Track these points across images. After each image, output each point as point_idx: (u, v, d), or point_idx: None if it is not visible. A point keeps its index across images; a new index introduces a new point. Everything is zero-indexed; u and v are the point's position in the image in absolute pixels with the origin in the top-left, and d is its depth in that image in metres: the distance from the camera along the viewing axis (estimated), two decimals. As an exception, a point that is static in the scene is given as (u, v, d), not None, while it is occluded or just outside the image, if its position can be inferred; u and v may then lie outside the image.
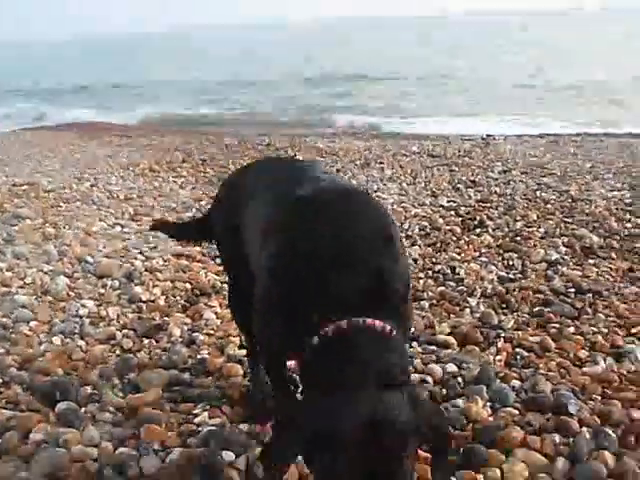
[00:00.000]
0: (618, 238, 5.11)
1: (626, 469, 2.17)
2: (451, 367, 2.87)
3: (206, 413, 2.56)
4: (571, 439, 2.32)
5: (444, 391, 2.70)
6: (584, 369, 2.91)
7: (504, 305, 3.71)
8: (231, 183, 2.65)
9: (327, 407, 1.52)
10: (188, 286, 4.06)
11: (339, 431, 1.47)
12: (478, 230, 5.24)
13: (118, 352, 3.14)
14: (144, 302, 3.82)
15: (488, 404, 2.58)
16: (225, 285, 3.94)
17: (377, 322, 1.67)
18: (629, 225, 5.46)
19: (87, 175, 8.00)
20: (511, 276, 4.18)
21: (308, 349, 1.70)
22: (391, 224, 1.95)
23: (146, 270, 4.34)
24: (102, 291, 3.97)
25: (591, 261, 4.54)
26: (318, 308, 1.71)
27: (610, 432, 2.36)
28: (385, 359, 1.62)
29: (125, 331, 3.38)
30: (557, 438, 2.34)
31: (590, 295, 3.84)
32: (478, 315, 3.55)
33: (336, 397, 1.53)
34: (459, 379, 2.78)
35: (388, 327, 1.68)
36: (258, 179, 2.39)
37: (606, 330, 3.35)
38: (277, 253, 1.90)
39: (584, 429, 2.38)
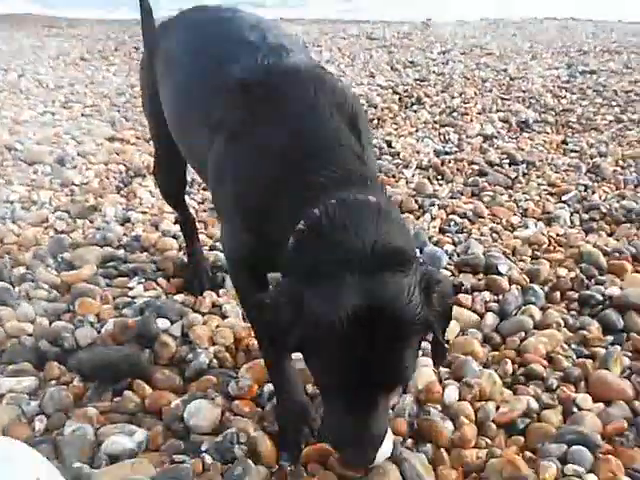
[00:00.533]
0: (553, 113, 5.17)
1: (550, 321, 2.25)
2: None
3: (141, 286, 2.55)
4: (500, 296, 2.39)
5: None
6: (515, 233, 2.97)
7: (439, 176, 3.75)
8: (150, 50, 2.40)
9: (321, 292, 1.37)
10: (122, 168, 3.98)
11: (333, 317, 1.32)
12: (415, 107, 5.23)
13: (51, 234, 3.08)
14: (77, 185, 3.73)
15: (421, 267, 2.62)
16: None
17: (369, 197, 1.51)
18: (564, 101, 5.53)
19: (14, 66, 7.65)
20: (447, 149, 4.20)
21: (294, 236, 1.51)
22: (355, 102, 1.77)
23: (79, 155, 4.22)
24: (34, 177, 3.85)
25: (526, 134, 4.60)
26: (299, 196, 1.55)
27: (537, 289, 2.43)
28: (386, 234, 1.44)
29: (58, 213, 3.31)
30: (487, 296, 2.40)
31: (524, 166, 3.90)
32: (413, 185, 3.57)
33: (330, 281, 1.37)
34: (393, 245, 2.80)
35: (380, 201, 1.52)
36: (183, 44, 2.15)
37: (538, 197, 3.42)
38: (240, 161, 1.72)
39: (513, 287, 2.45)
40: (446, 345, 1.57)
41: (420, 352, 1.53)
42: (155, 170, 2.72)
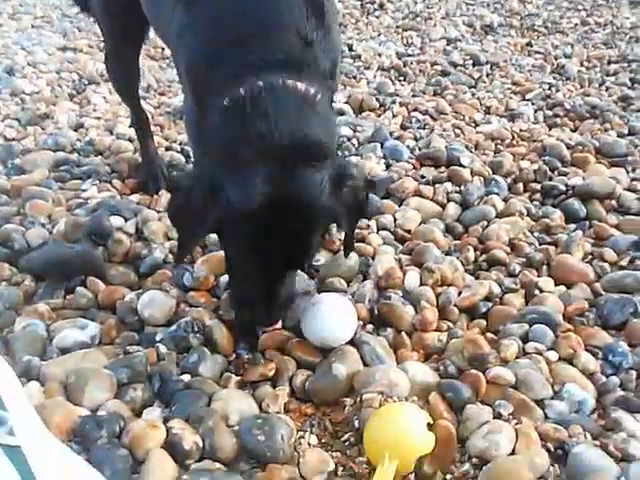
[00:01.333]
0: (519, 17, 5.07)
1: (513, 210, 2.21)
2: (346, 130, 2.82)
3: (95, 188, 2.46)
4: (462, 187, 2.34)
5: (339, 153, 2.67)
6: (478, 128, 2.92)
7: (402, 77, 3.66)
8: None
9: (237, 180, 1.41)
10: (75, 76, 3.81)
11: (246, 204, 1.38)
12: (377, 13, 5.08)
13: (1, 141, 2.96)
14: (28, 94, 3.56)
15: (382, 161, 2.57)
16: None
17: (299, 83, 1.48)
18: (530, 6, 5.41)
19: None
20: (410, 52, 4.10)
21: (215, 112, 1.52)
22: None
23: (29, 64, 4.03)
24: (-19, 89, 3.69)
25: (490, 38, 4.50)
26: (231, 73, 1.51)
27: (500, 180, 2.39)
28: (306, 126, 1.45)
29: (8, 121, 3.17)
30: (449, 187, 2.35)
31: (488, 66, 3.82)
32: (374, 85, 3.49)
33: (246, 170, 1.40)
34: (354, 141, 2.75)
35: (312, 90, 1.50)
36: None
37: (502, 96, 3.36)
38: (190, 30, 1.65)
39: (476, 178, 2.40)
40: (354, 238, 1.73)
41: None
42: (108, 62, 2.56)
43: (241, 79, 1.48)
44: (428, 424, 1.36)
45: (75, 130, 3.03)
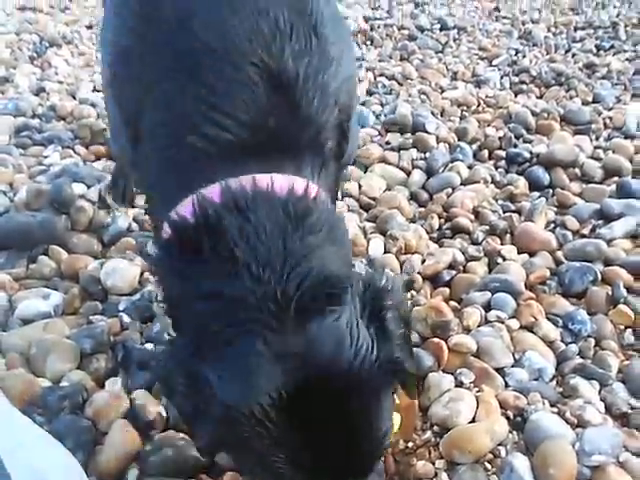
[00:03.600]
0: (487, -19, 5.03)
1: (478, 177, 2.22)
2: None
3: (57, 154, 2.43)
4: (428, 154, 2.35)
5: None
6: (444, 94, 2.91)
7: (368, 41, 3.64)
8: None
9: (226, 371, 0.90)
10: (36, 38, 3.74)
11: (255, 406, 0.87)
12: (344, -25, 5.03)
13: (-41, 107, 2.89)
14: (-14, 57, 3.50)
15: (347, 128, 2.55)
16: (76, 34, 3.69)
17: (294, 178, 1.02)
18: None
19: None
20: (377, 15, 4.07)
21: (160, 243, 1.06)
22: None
23: (-13, 25, 3.96)
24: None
25: (458, 1, 4.49)
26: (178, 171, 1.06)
27: (465, 146, 2.40)
28: (310, 255, 0.96)
29: (-34, 88, 3.11)
30: (414, 154, 2.35)
31: (455, 31, 3.82)
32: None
33: (235, 351, 0.91)
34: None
35: (311, 189, 1.02)
36: None
37: (468, 61, 3.36)
38: None
39: (441, 145, 2.41)
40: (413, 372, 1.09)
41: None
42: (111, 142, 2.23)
43: (190, 181, 1.02)
44: (396, 404, 1.37)
45: (36, 94, 2.99)
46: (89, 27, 3.97)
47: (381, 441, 0.96)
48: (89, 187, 2.14)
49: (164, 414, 1.36)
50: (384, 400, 0.96)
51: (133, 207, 2.08)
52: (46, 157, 2.42)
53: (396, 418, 1.32)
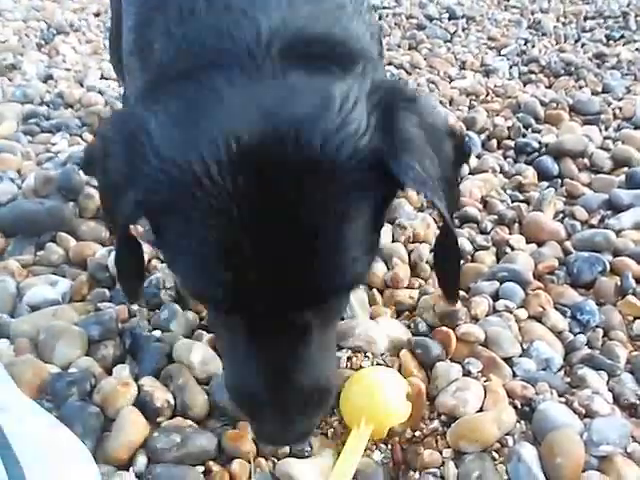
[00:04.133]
0: (496, -30, 5.00)
1: (486, 167, 2.22)
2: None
3: (65, 141, 2.43)
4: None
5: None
6: (453, 84, 2.90)
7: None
8: None
9: (174, 116, 0.77)
10: (43, 25, 3.73)
11: (195, 159, 0.73)
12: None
13: (-33, 93, 2.90)
14: (-6, 44, 3.50)
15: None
16: (83, 22, 3.69)
17: None
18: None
19: None
20: (385, 4, 4.05)
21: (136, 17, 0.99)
22: None
23: (-6, 12, 3.95)
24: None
25: (467, -9, 4.45)
26: None
27: (474, 136, 2.39)
28: (309, 17, 0.86)
29: (-26, 72, 3.11)
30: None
31: (464, 20, 3.80)
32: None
33: (191, 97, 0.78)
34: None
35: None
36: None
37: (477, 50, 3.34)
38: None
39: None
40: (454, 228, 0.88)
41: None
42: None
43: None
44: (407, 394, 1.37)
45: (44, 82, 2.98)
46: (97, 15, 3.96)
47: (341, 268, 0.77)
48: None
49: (172, 401, 1.36)
50: (359, 205, 0.77)
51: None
52: (54, 144, 2.42)
53: (407, 406, 1.33)
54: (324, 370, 0.91)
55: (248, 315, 0.80)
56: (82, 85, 2.92)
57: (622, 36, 3.58)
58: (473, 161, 2.25)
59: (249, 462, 1.26)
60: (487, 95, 2.79)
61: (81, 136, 2.47)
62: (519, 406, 1.39)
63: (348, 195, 0.75)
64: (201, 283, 0.78)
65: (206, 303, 0.91)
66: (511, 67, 3.13)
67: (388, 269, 1.76)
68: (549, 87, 2.94)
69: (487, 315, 1.62)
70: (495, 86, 2.87)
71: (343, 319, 1.57)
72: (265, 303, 0.76)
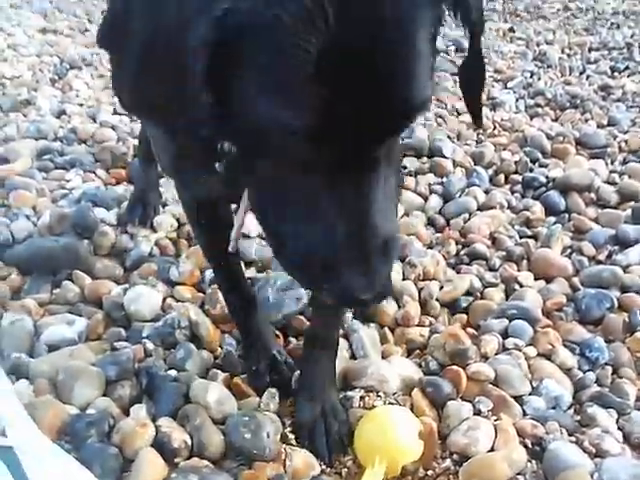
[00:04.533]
0: (501, 1, 5.08)
1: (494, 203, 2.25)
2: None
3: (79, 178, 2.47)
4: (444, 179, 2.37)
5: None
6: (460, 117, 2.94)
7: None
8: None
9: None
10: (56, 60, 3.79)
11: None
12: None
13: (-17, 129, 2.95)
14: (8, 79, 3.55)
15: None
16: (95, 56, 3.74)
17: None
18: (514, -11, 5.42)
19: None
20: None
21: None
22: None
23: (9, 47, 4.00)
24: (-42, 72, 3.65)
25: (473, 22, 4.51)
26: None
27: (482, 171, 2.42)
28: None
29: (-11, 108, 3.16)
30: (431, 178, 2.38)
31: (470, 52, 3.83)
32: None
33: None
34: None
35: None
36: None
37: (484, 83, 3.37)
38: None
39: (457, 169, 2.44)
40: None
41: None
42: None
43: None
44: (420, 432, 1.39)
45: (57, 117, 3.02)
46: (108, 48, 4.01)
47: (421, 85, 0.75)
48: (109, 211, 2.18)
49: (189, 442, 1.38)
50: (429, 30, 0.77)
51: (155, 231, 2.10)
52: (68, 181, 2.45)
53: (419, 444, 1.35)
54: (395, 216, 0.88)
55: (329, 149, 0.75)
56: (95, 120, 2.96)
57: (627, 67, 3.63)
58: (481, 196, 2.28)
59: (265, 502, 1.28)
60: (494, 129, 2.84)
61: (94, 172, 2.51)
62: (530, 445, 1.41)
63: (425, 7, 0.76)
64: (287, 112, 0.73)
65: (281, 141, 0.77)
66: (517, 100, 3.18)
67: (399, 307, 1.79)
68: (555, 120, 2.98)
69: (497, 353, 1.64)
70: (502, 119, 2.91)
71: (354, 357, 1.60)
72: (353, 130, 0.74)
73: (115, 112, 2.99)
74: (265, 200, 0.89)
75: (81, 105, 3.16)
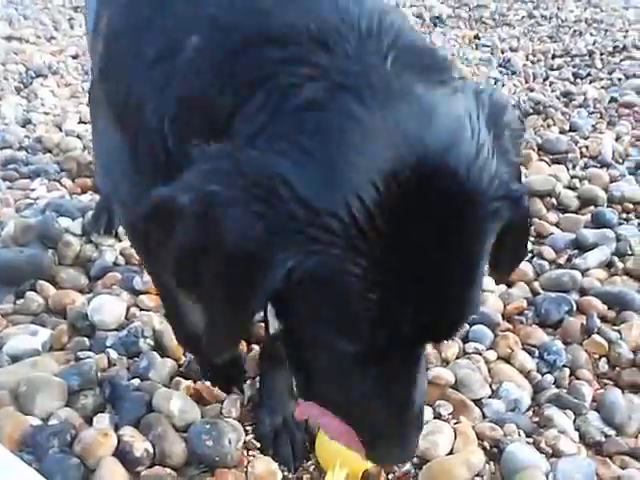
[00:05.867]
0: (467, 9, 5.14)
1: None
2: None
3: (44, 187, 2.46)
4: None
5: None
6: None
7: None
8: None
9: (301, 160, 0.68)
10: (22, 68, 3.78)
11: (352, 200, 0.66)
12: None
13: (-53, 138, 2.92)
14: (-27, 87, 3.54)
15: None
16: (62, 65, 3.73)
17: None
18: (479, -4, 5.48)
19: None
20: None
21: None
22: None
23: (-27, 55, 3.99)
24: None
25: (439, 29, 4.56)
26: None
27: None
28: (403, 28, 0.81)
29: (-47, 117, 3.14)
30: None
31: (436, 59, 3.87)
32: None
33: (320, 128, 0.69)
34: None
35: None
36: None
37: (449, 90, 3.41)
38: None
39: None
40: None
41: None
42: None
43: None
44: None
45: (23, 126, 3.02)
46: (75, 57, 4.01)
47: (478, 299, 0.79)
48: (74, 220, 2.17)
49: (151, 450, 1.39)
50: (489, 237, 0.76)
51: (120, 241, 2.11)
52: (33, 190, 2.45)
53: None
54: (426, 391, 0.93)
55: (378, 355, 0.78)
56: (61, 129, 2.96)
57: (588, 74, 3.68)
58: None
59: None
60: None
61: (59, 181, 2.50)
62: (488, 447, 1.44)
63: (489, 225, 0.75)
64: (342, 338, 0.76)
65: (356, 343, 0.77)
66: (481, 107, 3.20)
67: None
68: (518, 126, 3.01)
69: (457, 357, 1.66)
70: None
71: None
72: (416, 339, 0.79)
73: (81, 121, 2.99)
74: (306, 364, 0.91)
75: (47, 114, 3.16)
